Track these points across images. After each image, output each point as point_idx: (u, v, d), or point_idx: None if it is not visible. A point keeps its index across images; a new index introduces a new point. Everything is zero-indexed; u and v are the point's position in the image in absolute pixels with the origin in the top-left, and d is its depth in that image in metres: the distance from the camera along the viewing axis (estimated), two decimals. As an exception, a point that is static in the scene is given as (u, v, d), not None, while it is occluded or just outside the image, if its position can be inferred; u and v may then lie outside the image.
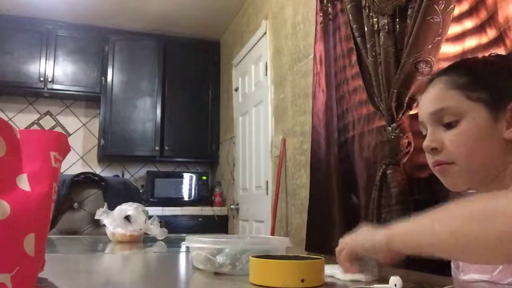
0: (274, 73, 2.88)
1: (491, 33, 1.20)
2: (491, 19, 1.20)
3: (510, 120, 0.72)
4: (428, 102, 0.80)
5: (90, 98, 3.96)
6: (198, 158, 4.14)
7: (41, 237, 0.49)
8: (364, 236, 0.72)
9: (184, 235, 1.67)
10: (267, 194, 2.88)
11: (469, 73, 0.76)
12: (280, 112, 2.75)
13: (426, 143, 0.78)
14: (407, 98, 1.43)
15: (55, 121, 4.02)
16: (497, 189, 0.71)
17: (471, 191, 0.80)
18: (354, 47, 1.71)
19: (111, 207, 1.55)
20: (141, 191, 3.58)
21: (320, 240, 1.87)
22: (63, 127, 4.02)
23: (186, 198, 3.94)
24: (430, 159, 0.79)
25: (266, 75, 2.99)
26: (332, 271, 0.75)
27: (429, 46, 1.33)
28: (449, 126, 0.75)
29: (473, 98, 0.73)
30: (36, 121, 3.97)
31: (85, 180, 2.23)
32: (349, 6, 1.70)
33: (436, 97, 0.78)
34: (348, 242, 0.74)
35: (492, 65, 0.79)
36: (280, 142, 2.67)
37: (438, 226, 0.58)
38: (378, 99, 1.54)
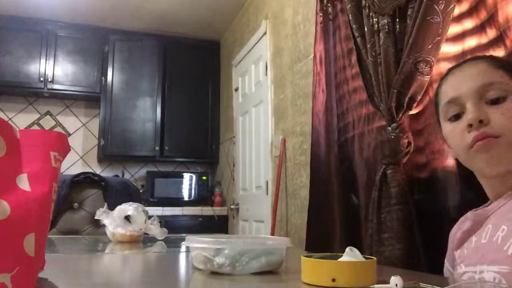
0: (274, 73, 2.88)
1: (491, 33, 1.20)
2: (491, 19, 1.20)
3: None
4: (471, 78, 0.77)
5: (90, 98, 3.96)
6: (198, 158, 4.15)
7: (41, 237, 0.49)
8: None
9: (184, 235, 1.67)
10: (267, 194, 2.88)
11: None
12: (280, 112, 2.75)
13: (472, 115, 0.74)
14: (407, 98, 1.43)
15: (55, 121, 4.02)
16: None
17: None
18: (354, 47, 1.71)
19: (111, 207, 1.54)
20: (141, 191, 3.58)
21: (320, 240, 1.87)
22: (63, 127, 4.02)
23: (186, 198, 3.94)
24: (471, 134, 0.75)
25: (266, 75, 2.99)
26: None
27: (429, 46, 1.33)
28: (496, 101, 0.74)
29: None
30: (36, 121, 3.97)
31: (85, 180, 2.23)
32: (349, 6, 1.70)
33: (482, 73, 0.76)
34: None
35: None
36: (280, 142, 2.67)
37: None
38: (378, 99, 1.54)
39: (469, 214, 0.80)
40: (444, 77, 0.84)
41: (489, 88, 0.74)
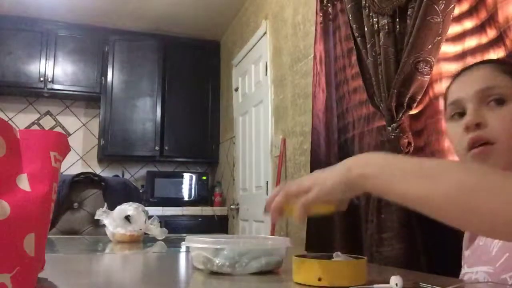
0: (274, 73, 2.88)
1: (491, 33, 1.20)
2: (491, 19, 1.20)
3: None
4: (474, 81, 0.78)
5: (90, 98, 3.96)
6: (198, 158, 4.14)
7: (41, 237, 0.49)
8: (327, 178, 0.61)
9: (184, 235, 1.67)
10: (267, 194, 2.88)
11: None
12: (280, 112, 2.75)
13: (469, 118, 0.75)
14: (407, 98, 1.43)
15: (55, 121, 4.02)
16: None
17: None
18: (354, 47, 1.71)
19: (111, 207, 1.54)
20: (141, 191, 3.58)
21: (320, 240, 1.87)
22: (63, 127, 4.02)
23: (186, 198, 3.94)
24: (468, 136, 0.74)
25: (266, 75, 2.99)
26: None
27: (429, 46, 1.33)
28: (498, 102, 0.74)
29: None
30: (36, 121, 3.97)
31: (85, 180, 2.23)
32: (349, 6, 1.70)
33: (485, 76, 0.77)
34: (309, 185, 0.62)
35: None
36: (280, 142, 2.67)
37: (427, 183, 0.53)
38: (378, 99, 1.54)
39: None
40: (454, 78, 0.85)
41: (491, 92, 0.74)
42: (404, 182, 0.55)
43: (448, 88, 0.86)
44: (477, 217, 0.49)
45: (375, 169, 0.58)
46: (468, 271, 0.78)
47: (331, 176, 0.62)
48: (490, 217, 0.48)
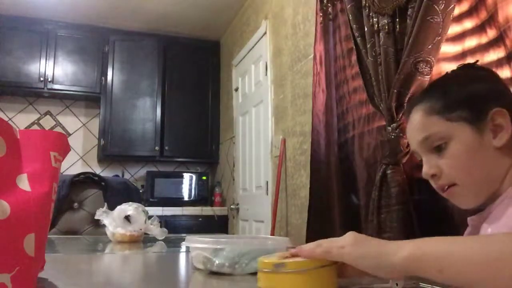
0: (274, 73, 2.88)
1: (491, 33, 1.20)
2: (491, 19, 1.20)
3: (493, 128, 0.73)
4: (414, 131, 0.81)
5: (90, 98, 3.96)
6: (198, 158, 4.14)
7: (41, 237, 0.49)
8: (369, 250, 0.54)
9: (184, 235, 1.67)
10: (267, 194, 2.88)
11: (443, 96, 0.78)
12: (280, 112, 2.75)
13: (424, 170, 0.80)
14: (407, 98, 1.43)
15: (55, 121, 4.02)
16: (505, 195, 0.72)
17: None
18: (354, 47, 1.71)
19: (111, 207, 1.54)
20: (141, 191, 3.58)
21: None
22: (63, 127, 4.02)
23: (186, 198, 3.94)
24: (434, 185, 0.80)
25: (266, 75, 2.99)
26: None
27: (429, 46, 1.33)
28: (439, 150, 0.77)
29: (454, 118, 0.75)
30: (36, 121, 3.97)
31: (85, 180, 2.22)
32: (349, 6, 1.70)
33: (420, 125, 0.79)
34: (343, 252, 0.55)
35: (462, 79, 0.82)
36: (280, 142, 2.67)
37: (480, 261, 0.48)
38: (378, 99, 1.54)
39: (469, 219, 0.82)
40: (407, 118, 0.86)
41: (429, 141, 0.77)
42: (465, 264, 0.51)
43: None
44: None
45: (425, 252, 0.52)
46: None
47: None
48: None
